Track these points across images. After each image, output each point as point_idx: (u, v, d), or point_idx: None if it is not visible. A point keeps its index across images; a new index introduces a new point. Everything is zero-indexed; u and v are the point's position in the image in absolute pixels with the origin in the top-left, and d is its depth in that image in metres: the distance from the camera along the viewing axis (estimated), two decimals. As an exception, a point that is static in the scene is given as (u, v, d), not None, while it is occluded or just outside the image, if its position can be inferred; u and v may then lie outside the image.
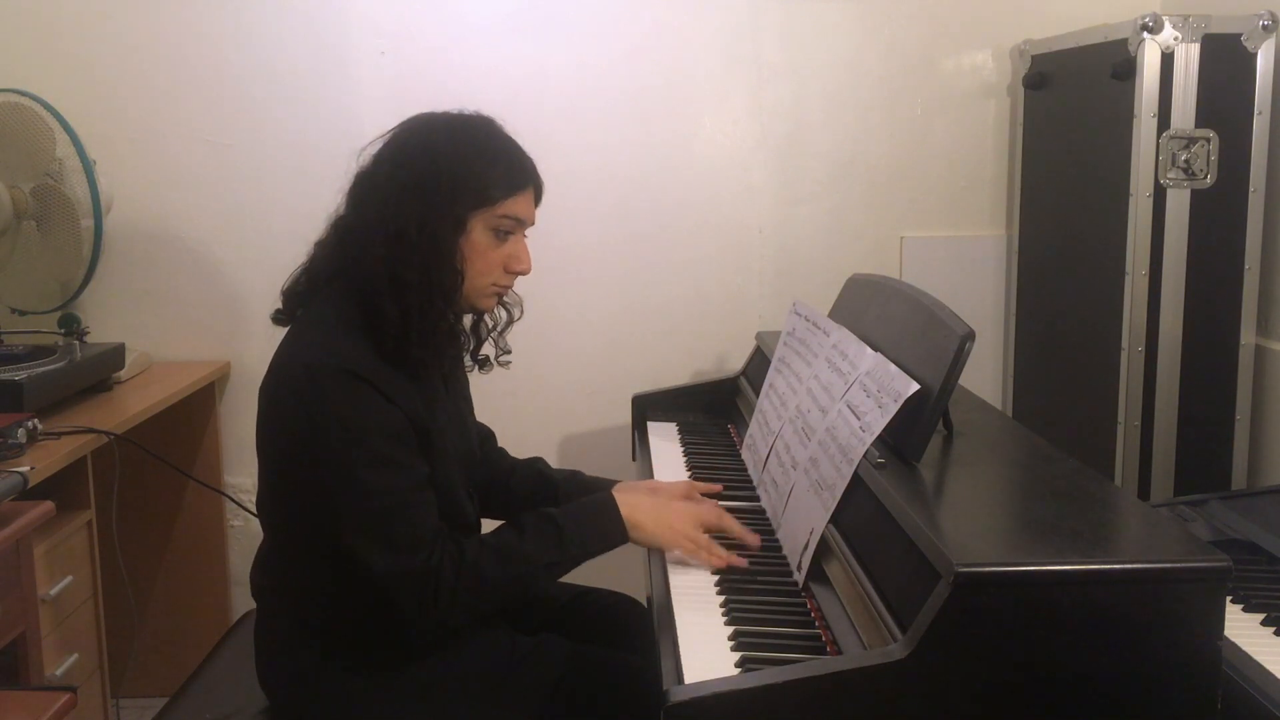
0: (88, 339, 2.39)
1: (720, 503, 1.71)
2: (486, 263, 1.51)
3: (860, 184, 2.76)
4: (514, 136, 1.57)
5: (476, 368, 1.73)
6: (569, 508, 1.55)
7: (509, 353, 1.72)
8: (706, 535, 1.56)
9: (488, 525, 1.60)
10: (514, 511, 1.63)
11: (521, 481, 1.82)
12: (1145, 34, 2.12)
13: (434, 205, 1.46)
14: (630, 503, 1.56)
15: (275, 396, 1.47)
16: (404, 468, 1.43)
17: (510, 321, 1.70)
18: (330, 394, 1.40)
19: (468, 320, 1.67)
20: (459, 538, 1.47)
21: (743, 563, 1.53)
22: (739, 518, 1.66)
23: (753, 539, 1.58)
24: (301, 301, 1.56)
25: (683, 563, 1.54)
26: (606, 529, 1.53)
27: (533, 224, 1.56)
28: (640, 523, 1.54)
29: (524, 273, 1.56)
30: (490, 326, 1.70)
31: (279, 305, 1.58)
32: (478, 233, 1.50)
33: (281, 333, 1.56)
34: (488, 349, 1.72)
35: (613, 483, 1.77)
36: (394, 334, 1.44)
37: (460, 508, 1.59)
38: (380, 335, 1.45)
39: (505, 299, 1.64)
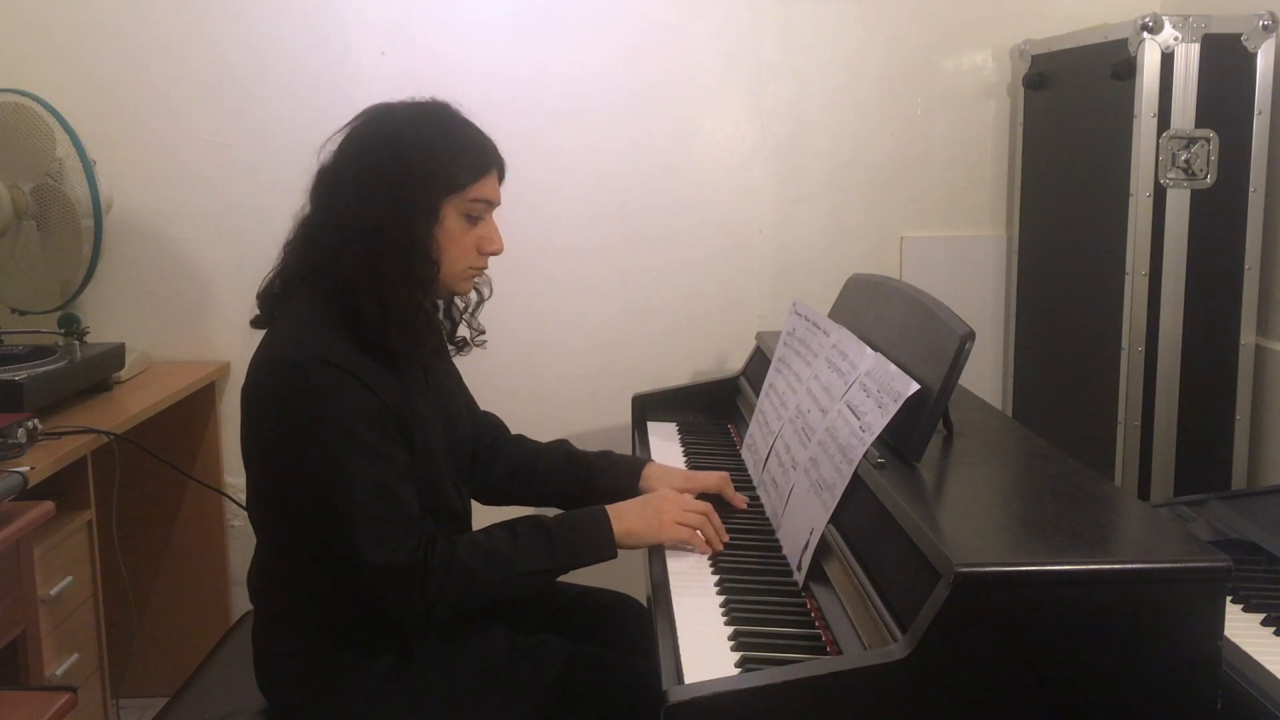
0: (88, 339, 2.39)
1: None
2: (461, 248, 1.53)
3: (860, 184, 2.76)
4: (504, 132, 1.58)
5: (456, 351, 1.74)
6: (562, 517, 1.56)
7: (483, 332, 1.73)
8: (698, 515, 1.58)
9: (510, 513, 1.60)
10: (543, 495, 1.74)
11: (549, 465, 1.81)
12: (1145, 34, 2.12)
13: (407, 197, 1.46)
14: (619, 514, 1.56)
15: (257, 394, 1.47)
16: (388, 458, 1.43)
17: (481, 301, 1.71)
18: (312, 385, 1.40)
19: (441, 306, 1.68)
20: (451, 535, 1.47)
21: (719, 547, 1.57)
22: (740, 519, 1.66)
23: (717, 545, 1.58)
24: (277, 303, 1.55)
25: (682, 558, 1.55)
26: (596, 542, 1.53)
27: (499, 204, 1.58)
28: (632, 529, 1.55)
29: (497, 252, 1.57)
30: (462, 309, 1.71)
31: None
32: (451, 219, 1.51)
33: None
34: (463, 331, 1.73)
35: (645, 461, 1.80)
36: (374, 328, 1.45)
37: (446, 500, 1.59)
38: (359, 329, 1.45)
39: (477, 280, 1.64)
